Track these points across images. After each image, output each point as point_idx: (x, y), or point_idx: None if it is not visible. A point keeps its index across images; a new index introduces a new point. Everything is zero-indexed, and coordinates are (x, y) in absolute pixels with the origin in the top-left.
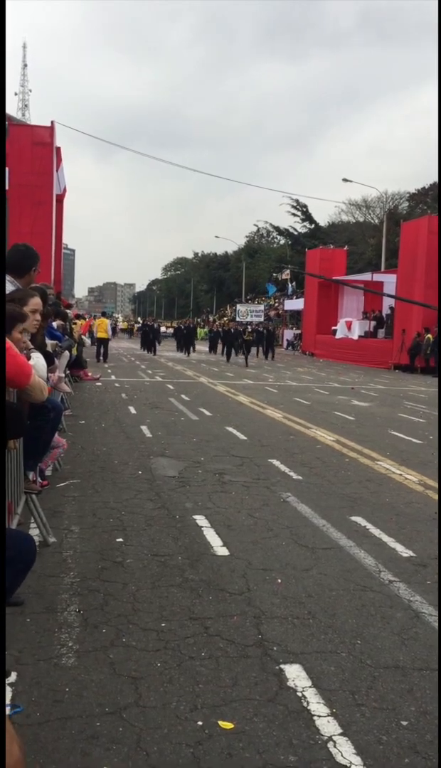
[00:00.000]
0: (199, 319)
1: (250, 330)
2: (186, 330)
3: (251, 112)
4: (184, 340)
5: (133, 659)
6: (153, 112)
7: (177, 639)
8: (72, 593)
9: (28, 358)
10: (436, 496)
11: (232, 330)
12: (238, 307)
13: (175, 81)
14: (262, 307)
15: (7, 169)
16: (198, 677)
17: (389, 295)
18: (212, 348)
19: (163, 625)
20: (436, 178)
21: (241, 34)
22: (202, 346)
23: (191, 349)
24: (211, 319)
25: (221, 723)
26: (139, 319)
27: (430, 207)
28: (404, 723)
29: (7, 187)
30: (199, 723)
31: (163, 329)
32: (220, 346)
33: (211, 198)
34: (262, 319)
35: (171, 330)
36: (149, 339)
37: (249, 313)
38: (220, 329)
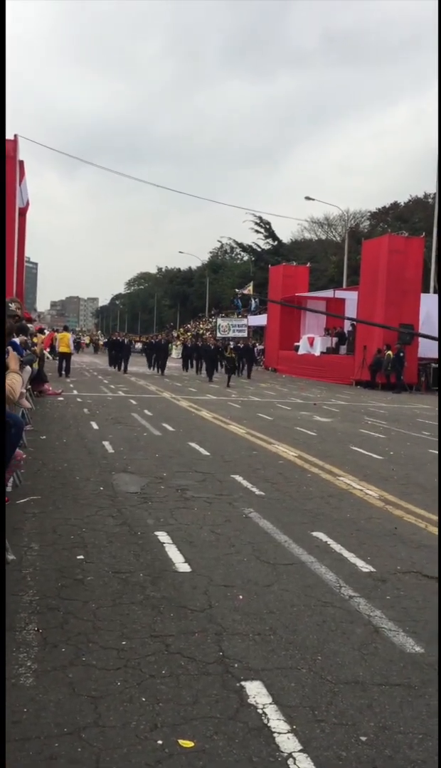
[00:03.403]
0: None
1: (231, 347)
2: (158, 346)
3: (219, 129)
4: (157, 357)
5: (93, 678)
6: (121, 126)
7: (138, 657)
8: (31, 612)
9: None
10: (396, 512)
11: (212, 346)
12: (219, 321)
13: (144, 96)
14: (245, 321)
15: None
16: (158, 695)
17: (353, 320)
18: (186, 365)
19: (123, 643)
20: (396, 198)
21: (210, 52)
22: (173, 363)
23: (164, 367)
24: (175, 334)
25: (181, 742)
26: (99, 333)
27: (390, 226)
28: (363, 738)
29: None
30: (159, 742)
31: (138, 345)
32: (194, 363)
33: (176, 213)
34: (245, 335)
35: (139, 345)
36: (118, 356)
37: (231, 328)
38: (196, 344)
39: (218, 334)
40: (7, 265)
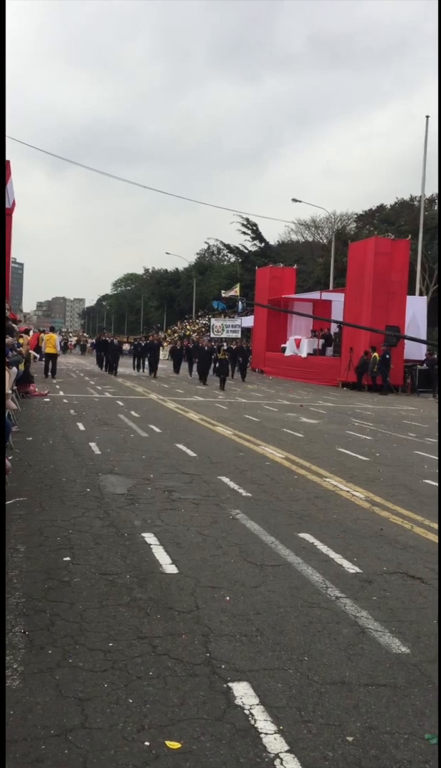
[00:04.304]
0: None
1: (224, 348)
2: (150, 347)
3: (207, 131)
4: (148, 359)
5: (80, 680)
6: (109, 127)
7: (124, 659)
8: (17, 614)
9: None
10: (383, 513)
11: (205, 348)
12: (213, 321)
13: (133, 97)
14: (239, 322)
15: None
16: (145, 697)
17: (340, 322)
18: (177, 367)
19: (110, 645)
20: (382, 201)
21: (198, 54)
22: (162, 365)
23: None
24: (162, 335)
25: (168, 743)
26: (84, 334)
27: (376, 228)
28: (350, 739)
29: None
30: (146, 744)
31: (127, 346)
32: (185, 365)
33: (164, 214)
34: (239, 335)
35: (127, 346)
36: (106, 357)
37: (225, 328)
38: (187, 346)
39: (212, 334)
40: None
